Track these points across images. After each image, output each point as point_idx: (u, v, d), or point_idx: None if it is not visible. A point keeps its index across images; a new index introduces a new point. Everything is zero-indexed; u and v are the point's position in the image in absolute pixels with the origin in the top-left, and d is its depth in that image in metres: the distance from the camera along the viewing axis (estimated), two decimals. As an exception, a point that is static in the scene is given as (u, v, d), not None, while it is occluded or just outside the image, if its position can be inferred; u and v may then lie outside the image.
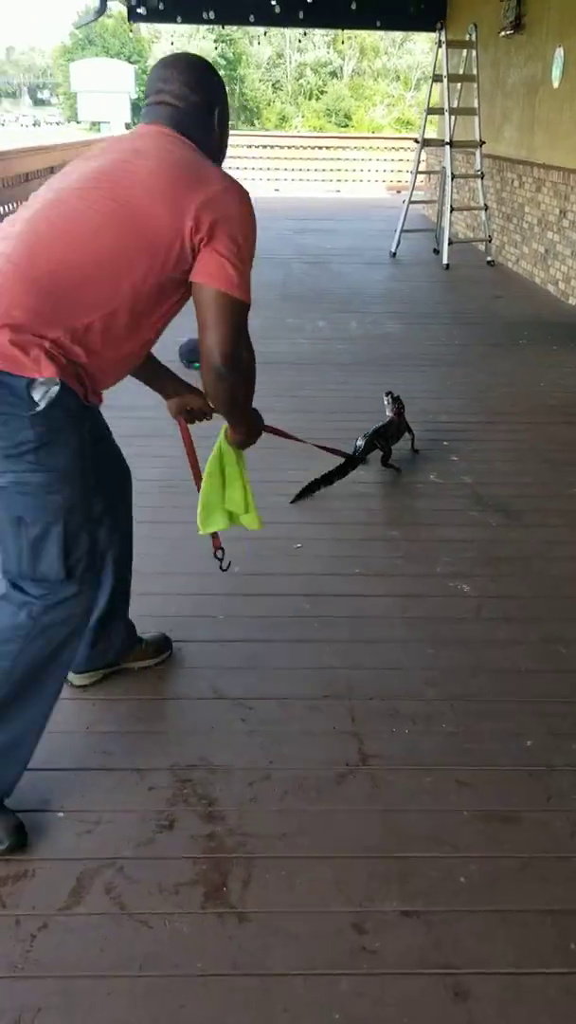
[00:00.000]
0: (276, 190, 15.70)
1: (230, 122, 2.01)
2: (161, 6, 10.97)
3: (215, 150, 1.92)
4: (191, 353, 5.18)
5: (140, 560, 2.32)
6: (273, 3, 10.90)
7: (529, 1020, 1.49)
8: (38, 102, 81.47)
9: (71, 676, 2.24)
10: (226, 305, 1.78)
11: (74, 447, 1.73)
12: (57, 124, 58.42)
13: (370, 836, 1.86)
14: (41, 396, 1.63)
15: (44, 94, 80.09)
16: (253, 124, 40.55)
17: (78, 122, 34.48)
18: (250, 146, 17.03)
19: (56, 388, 1.64)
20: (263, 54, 43.19)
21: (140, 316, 1.77)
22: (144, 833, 1.85)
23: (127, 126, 30.02)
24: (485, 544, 3.17)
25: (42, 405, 1.63)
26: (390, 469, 3.76)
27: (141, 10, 11.26)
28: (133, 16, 11.55)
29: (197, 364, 6.02)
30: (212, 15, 11.47)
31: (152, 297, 1.77)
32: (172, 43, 38.48)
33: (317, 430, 3.66)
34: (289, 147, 17.49)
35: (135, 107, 40.48)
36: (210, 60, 2.02)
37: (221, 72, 2.04)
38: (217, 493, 2.27)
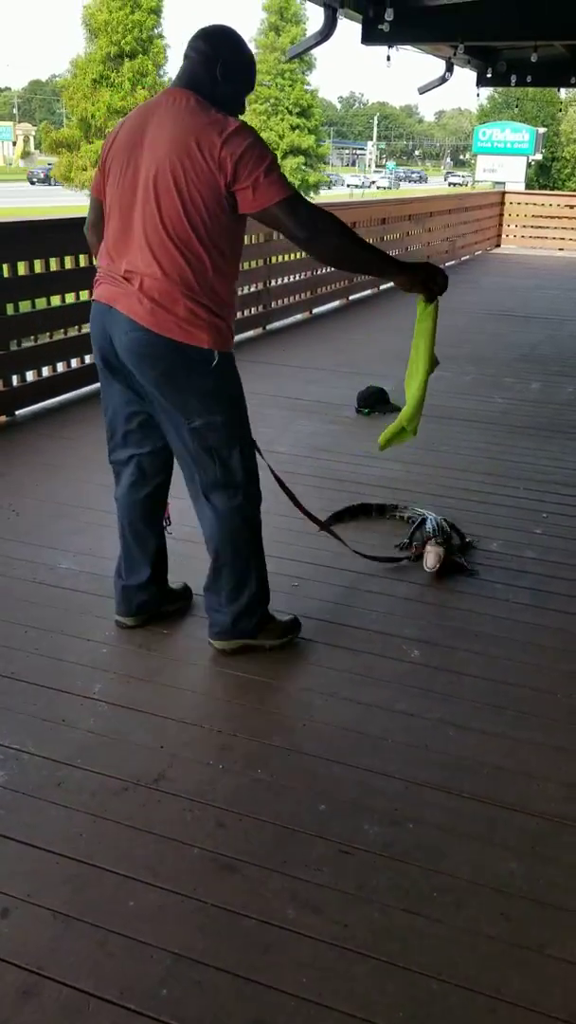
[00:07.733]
0: (560, 249, 15.64)
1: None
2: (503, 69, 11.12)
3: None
4: (361, 400, 5.35)
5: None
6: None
7: None
8: (459, 163, 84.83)
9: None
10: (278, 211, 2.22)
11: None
12: (402, 183, 61.91)
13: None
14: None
15: (467, 156, 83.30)
16: None
17: (477, 182, 35.37)
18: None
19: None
20: None
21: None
22: None
23: (526, 186, 30.44)
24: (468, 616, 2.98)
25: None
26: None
27: (488, 74, 11.49)
28: (481, 81, 11.82)
29: (366, 411, 6.17)
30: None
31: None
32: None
33: (416, 481, 3.94)
34: None
35: (542, 168, 40.68)
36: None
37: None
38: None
